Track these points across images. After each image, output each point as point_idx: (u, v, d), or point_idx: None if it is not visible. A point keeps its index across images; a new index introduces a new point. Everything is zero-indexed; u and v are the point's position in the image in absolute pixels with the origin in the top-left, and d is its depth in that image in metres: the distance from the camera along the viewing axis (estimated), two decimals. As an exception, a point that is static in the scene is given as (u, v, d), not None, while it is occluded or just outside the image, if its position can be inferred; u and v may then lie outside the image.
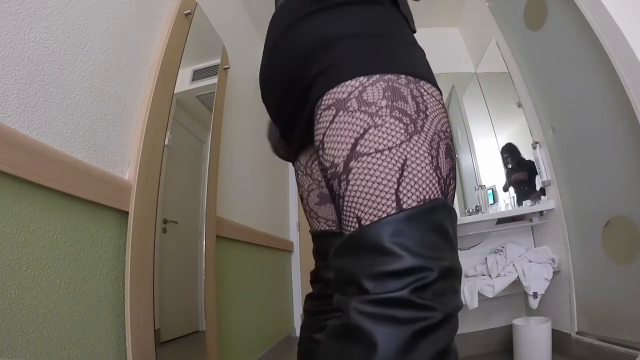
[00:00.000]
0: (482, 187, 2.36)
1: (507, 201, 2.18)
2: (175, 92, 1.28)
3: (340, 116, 0.46)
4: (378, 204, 0.41)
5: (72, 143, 0.86)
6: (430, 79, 0.50)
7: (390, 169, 0.41)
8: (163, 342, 1.11)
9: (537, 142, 1.91)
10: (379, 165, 0.42)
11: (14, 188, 0.70)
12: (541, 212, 1.90)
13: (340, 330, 0.39)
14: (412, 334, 0.35)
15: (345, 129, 0.45)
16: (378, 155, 0.42)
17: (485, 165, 2.40)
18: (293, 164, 0.76)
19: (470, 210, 2.29)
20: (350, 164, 0.43)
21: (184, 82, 1.37)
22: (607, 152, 1.44)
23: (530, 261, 1.82)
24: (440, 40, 2.71)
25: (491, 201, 2.29)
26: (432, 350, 0.36)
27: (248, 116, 2.38)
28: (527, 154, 2.01)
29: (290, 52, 0.56)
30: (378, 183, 0.41)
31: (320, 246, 0.73)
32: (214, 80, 1.64)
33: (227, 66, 1.76)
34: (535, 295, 1.71)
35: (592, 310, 1.58)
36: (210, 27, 1.65)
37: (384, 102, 0.44)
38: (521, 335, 1.68)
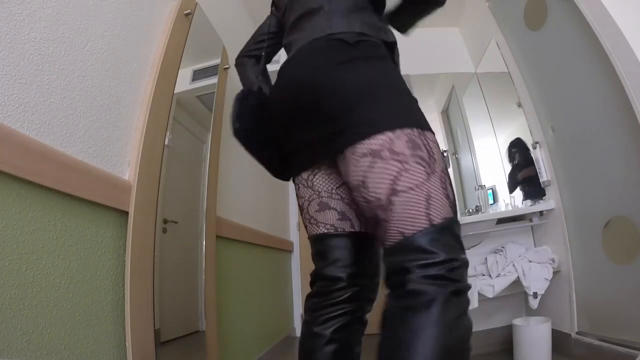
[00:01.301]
0: (482, 187, 2.36)
1: (507, 201, 2.18)
2: (175, 92, 1.27)
3: (378, 163, 0.63)
4: (415, 222, 0.59)
5: (72, 143, 0.86)
6: (429, 127, 0.68)
7: (421, 201, 0.60)
8: (163, 342, 1.11)
9: (537, 142, 1.91)
10: (413, 198, 0.61)
11: (14, 188, 0.70)
12: (541, 212, 1.90)
13: (402, 294, 0.57)
14: (450, 292, 0.55)
15: (383, 173, 0.62)
16: (411, 192, 0.61)
17: (485, 165, 2.40)
18: (293, 180, 0.87)
19: (470, 210, 2.29)
20: (392, 199, 0.61)
21: (184, 82, 1.37)
22: (607, 152, 1.44)
23: (530, 261, 1.82)
24: (440, 40, 2.71)
25: (491, 201, 2.29)
26: (458, 309, 0.56)
27: (248, 116, 2.38)
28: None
29: (323, 93, 0.70)
30: (414, 210, 0.60)
31: (320, 247, 0.81)
32: (214, 80, 1.64)
33: (227, 66, 1.76)
34: (535, 295, 1.71)
35: (592, 310, 1.58)
36: (210, 27, 1.65)
37: (408, 152, 0.62)
38: (521, 335, 1.68)
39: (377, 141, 0.63)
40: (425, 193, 0.61)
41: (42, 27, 0.80)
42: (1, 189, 0.67)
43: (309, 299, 0.82)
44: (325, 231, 0.80)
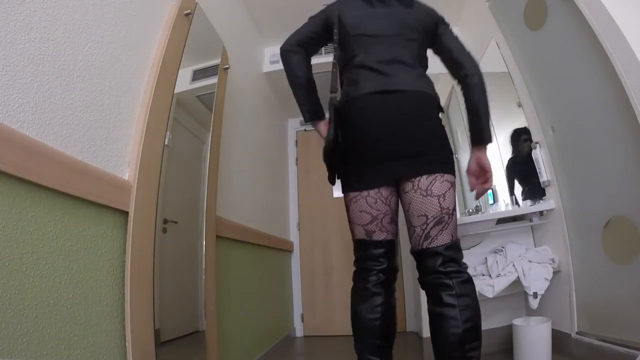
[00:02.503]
0: (482, 187, 2.35)
1: (507, 201, 2.18)
2: (175, 92, 1.27)
3: (451, 189, 1.05)
4: (457, 231, 1.06)
5: (72, 143, 0.86)
6: None
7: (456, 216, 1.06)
8: (163, 342, 1.11)
9: (537, 142, 1.91)
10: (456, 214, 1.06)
11: (14, 188, 0.70)
12: (541, 212, 1.90)
13: (467, 279, 0.99)
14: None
15: (453, 196, 1.05)
16: (456, 211, 1.08)
17: (485, 165, 2.40)
18: (365, 193, 1.07)
19: (470, 210, 2.29)
20: (453, 212, 1.04)
21: (184, 82, 1.37)
22: (607, 152, 1.44)
23: (530, 261, 1.82)
24: (440, 40, 2.70)
25: (491, 201, 2.29)
26: (473, 289, 0.99)
27: (248, 116, 2.38)
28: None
29: (423, 128, 1.06)
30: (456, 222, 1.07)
31: (388, 247, 1.09)
32: (214, 80, 1.64)
33: (227, 66, 1.76)
34: (535, 295, 1.71)
35: (592, 310, 1.58)
36: (210, 27, 1.65)
37: (453, 191, 1.06)
38: (521, 335, 1.68)
39: (449, 177, 1.05)
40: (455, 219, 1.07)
41: (42, 27, 0.80)
42: (1, 189, 0.67)
43: (368, 275, 1.08)
44: (391, 238, 1.10)
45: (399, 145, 1.02)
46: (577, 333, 1.63)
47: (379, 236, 1.07)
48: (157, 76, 1.18)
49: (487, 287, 1.78)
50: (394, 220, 1.10)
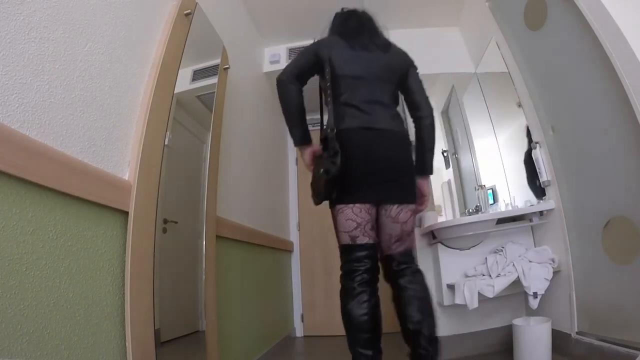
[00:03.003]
0: (482, 187, 2.35)
1: (507, 201, 2.18)
2: (175, 92, 1.27)
3: (411, 217, 1.30)
4: (411, 244, 1.34)
5: (72, 143, 0.86)
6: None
7: (413, 238, 1.35)
8: (163, 342, 1.11)
9: (537, 142, 1.91)
10: (413, 235, 1.35)
11: (14, 188, 0.70)
12: (541, 212, 1.90)
13: (417, 270, 1.27)
14: (418, 270, 1.30)
15: (413, 221, 1.31)
16: (413, 233, 1.34)
17: (485, 165, 2.40)
18: (352, 205, 1.23)
19: (470, 210, 2.29)
20: (411, 232, 1.31)
21: (184, 82, 1.37)
22: (607, 152, 1.44)
23: (530, 261, 1.82)
24: (440, 40, 2.71)
25: (491, 201, 2.29)
26: (422, 277, 1.28)
27: (248, 116, 2.38)
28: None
29: (399, 159, 1.30)
30: (412, 240, 1.34)
31: (370, 249, 1.24)
32: (214, 80, 1.64)
33: (227, 66, 1.76)
34: (535, 295, 1.71)
35: (592, 310, 1.58)
36: (210, 27, 1.65)
37: (413, 218, 1.31)
38: (521, 335, 1.68)
39: (412, 206, 1.31)
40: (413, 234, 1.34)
41: (42, 27, 0.80)
42: (1, 189, 0.67)
43: (355, 275, 1.22)
44: (373, 242, 1.25)
45: (382, 172, 1.24)
46: (577, 333, 1.63)
47: (362, 240, 1.22)
48: (157, 76, 1.18)
49: (487, 287, 1.78)
50: (374, 228, 1.27)
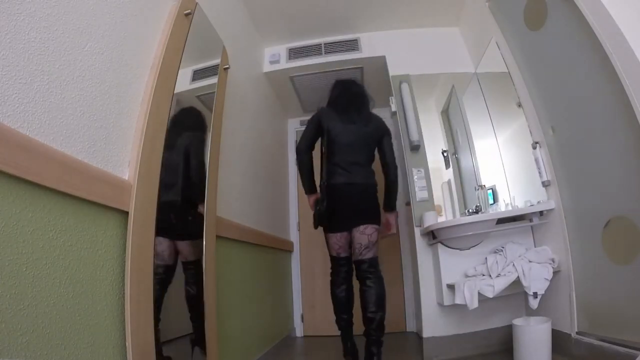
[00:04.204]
0: (482, 187, 2.35)
1: (507, 201, 2.18)
2: (175, 92, 1.27)
3: (375, 232, 1.87)
4: (375, 253, 1.91)
5: (72, 143, 0.86)
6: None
7: (376, 248, 1.94)
8: (163, 342, 1.11)
9: (537, 142, 1.91)
10: (376, 247, 1.93)
11: (14, 188, 0.70)
12: (541, 212, 1.90)
13: (380, 277, 1.82)
14: (381, 277, 1.86)
15: (376, 235, 1.88)
16: (376, 244, 1.92)
17: (485, 165, 2.40)
18: (335, 230, 1.92)
19: (470, 210, 2.29)
20: (375, 243, 1.88)
21: (184, 82, 1.37)
22: (607, 152, 1.44)
23: (530, 261, 1.82)
24: (440, 40, 2.71)
25: (491, 201, 2.29)
26: (381, 281, 1.84)
27: (248, 116, 2.38)
28: (527, 153, 2.00)
29: (368, 200, 1.90)
30: (375, 250, 1.92)
31: (347, 259, 1.94)
32: (214, 80, 1.64)
33: (227, 66, 1.76)
34: (535, 295, 1.71)
35: (592, 310, 1.58)
36: (210, 27, 1.65)
37: (377, 232, 1.89)
38: (521, 335, 1.68)
39: (377, 226, 1.87)
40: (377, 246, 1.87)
41: (42, 27, 0.80)
42: (1, 189, 0.67)
43: (339, 272, 1.96)
44: (348, 255, 1.94)
45: (356, 211, 1.87)
46: (577, 333, 1.62)
47: (343, 254, 1.94)
48: (157, 76, 1.18)
49: (487, 287, 1.78)
50: (349, 246, 1.92)
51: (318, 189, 1.96)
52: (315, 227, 1.95)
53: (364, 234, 1.83)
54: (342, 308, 1.91)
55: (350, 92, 2.02)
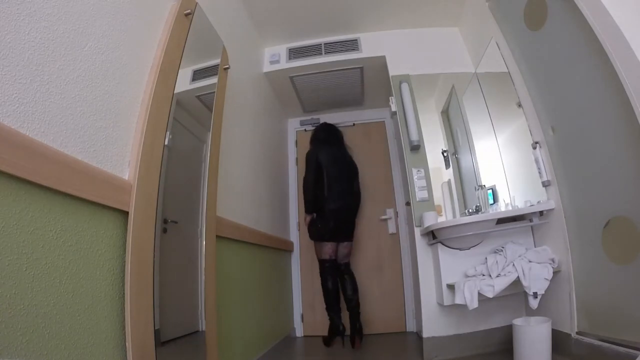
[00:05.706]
0: (482, 187, 2.35)
1: (507, 201, 2.18)
2: (175, 92, 1.27)
3: (351, 246, 2.90)
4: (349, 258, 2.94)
5: (72, 143, 0.86)
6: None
7: (350, 254, 3.01)
8: (163, 342, 1.11)
9: (537, 142, 1.91)
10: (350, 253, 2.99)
11: (14, 188, 0.70)
12: (541, 212, 1.90)
13: (352, 273, 2.77)
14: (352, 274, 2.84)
15: (351, 247, 2.90)
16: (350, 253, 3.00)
17: (485, 165, 2.40)
18: (331, 240, 2.72)
19: (470, 210, 2.29)
20: (350, 253, 2.90)
21: (184, 82, 1.37)
22: (607, 152, 1.44)
23: (530, 261, 1.82)
24: (440, 40, 2.71)
25: (491, 201, 2.29)
26: (352, 277, 2.76)
27: (248, 116, 2.38)
28: (527, 153, 2.00)
29: (351, 222, 2.86)
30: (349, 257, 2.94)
31: (334, 262, 2.72)
32: (214, 80, 1.64)
33: (227, 66, 1.76)
34: (535, 295, 1.71)
35: (592, 310, 1.58)
36: (210, 27, 1.65)
37: (351, 246, 2.93)
38: (521, 335, 1.68)
39: (351, 242, 2.88)
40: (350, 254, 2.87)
41: (42, 27, 0.80)
42: (1, 189, 0.67)
43: (330, 270, 2.69)
44: (335, 258, 2.72)
45: (344, 228, 2.72)
46: (577, 333, 1.62)
47: (332, 257, 2.68)
48: (157, 76, 1.18)
49: (487, 287, 1.78)
50: (336, 252, 2.69)
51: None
52: (315, 239, 2.75)
53: (346, 248, 2.77)
54: (331, 295, 2.61)
55: (332, 136, 3.01)
